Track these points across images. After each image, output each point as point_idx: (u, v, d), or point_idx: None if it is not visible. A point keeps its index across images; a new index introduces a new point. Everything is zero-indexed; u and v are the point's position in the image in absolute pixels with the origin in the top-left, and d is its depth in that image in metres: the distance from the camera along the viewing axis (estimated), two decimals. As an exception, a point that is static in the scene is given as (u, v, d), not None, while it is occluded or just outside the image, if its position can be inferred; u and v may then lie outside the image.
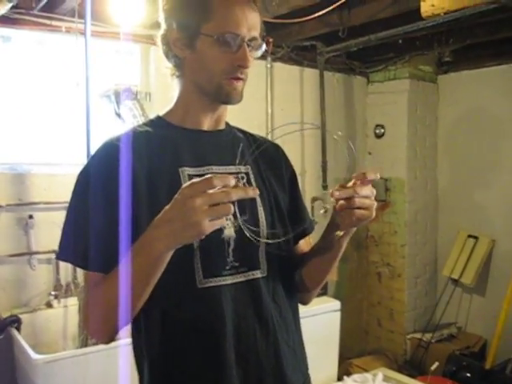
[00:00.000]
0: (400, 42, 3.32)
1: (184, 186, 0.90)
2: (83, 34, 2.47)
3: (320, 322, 2.78)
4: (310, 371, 1.31)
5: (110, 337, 1.10)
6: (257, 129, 1.42)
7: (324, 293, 3.36)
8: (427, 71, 3.98)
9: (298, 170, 1.41)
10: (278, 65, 3.58)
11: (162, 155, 1.16)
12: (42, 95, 2.81)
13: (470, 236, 3.81)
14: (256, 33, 1.14)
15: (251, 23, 1.12)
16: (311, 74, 3.76)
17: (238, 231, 1.14)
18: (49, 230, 2.65)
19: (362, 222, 1.07)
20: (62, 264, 2.67)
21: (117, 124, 2.93)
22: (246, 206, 1.17)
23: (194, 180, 0.90)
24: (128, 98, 2.94)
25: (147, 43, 2.98)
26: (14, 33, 2.72)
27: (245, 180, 1.22)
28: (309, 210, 2.60)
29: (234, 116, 1.31)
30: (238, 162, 1.20)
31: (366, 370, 3.16)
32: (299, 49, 3.62)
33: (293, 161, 1.39)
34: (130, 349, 1.20)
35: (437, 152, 4.11)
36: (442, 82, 4.05)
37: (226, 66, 1.12)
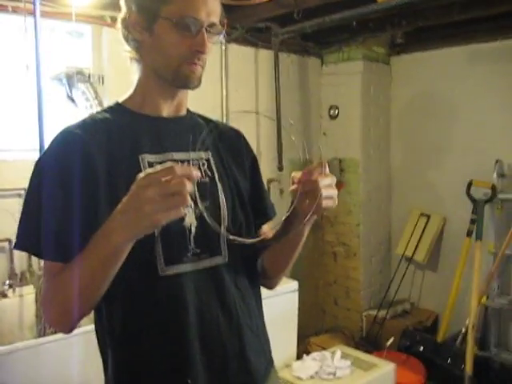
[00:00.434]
0: (354, 24, 3.34)
1: (140, 175, 0.90)
2: (32, 13, 2.38)
3: (278, 303, 2.81)
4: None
5: (71, 327, 1.10)
6: (212, 111, 1.43)
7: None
8: (380, 53, 4.03)
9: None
10: (233, 46, 3.54)
11: (121, 142, 1.15)
12: (-11, 78, 2.70)
13: (422, 214, 3.91)
14: (215, 19, 1.14)
15: (211, 8, 1.12)
16: (266, 55, 3.74)
17: (199, 218, 1.15)
18: (1, 218, 2.57)
19: (324, 211, 1.08)
20: (16, 252, 2.60)
21: (69, 108, 2.85)
22: (207, 192, 1.18)
23: (150, 170, 0.90)
24: (80, 80, 2.87)
25: (99, 24, 2.90)
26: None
27: (205, 166, 1.23)
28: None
29: (189, 99, 1.29)
30: (198, 147, 1.19)
31: (324, 348, 3.22)
32: (254, 30, 3.59)
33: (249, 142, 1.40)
34: (93, 337, 1.20)
35: (390, 132, 4.18)
36: (395, 63, 4.11)
37: (184, 50, 1.11)
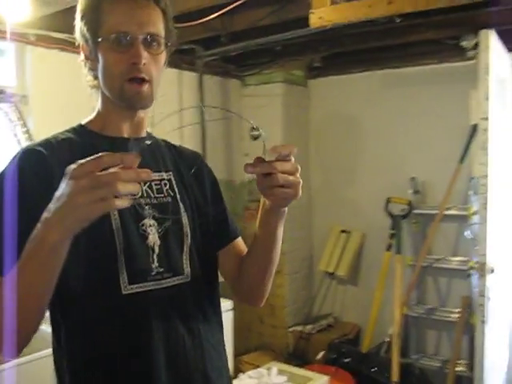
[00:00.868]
0: (279, 48, 3.46)
1: (71, 166, 0.84)
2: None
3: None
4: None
5: (19, 348, 1.00)
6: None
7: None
8: (299, 76, 4.18)
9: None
10: (158, 67, 3.53)
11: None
12: None
13: (342, 231, 4.08)
14: (152, 28, 1.14)
15: (142, 20, 1.13)
16: (189, 76, 3.78)
17: (162, 237, 1.16)
18: None
19: (287, 201, 1.05)
20: None
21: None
22: (168, 212, 1.19)
23: (82, 160, 0.84)
24: (2, 100, 2.75)
25: (23, 42, 2.80)
26: None
27: (167, 186, 1.24)
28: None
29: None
30: (161, 168, 1.23)
31: (257, 366, 3.26)
32: (178, 52, 3.61)
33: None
34: (45, 362, 1.16)
35: (309, 153, 4.34)
36: (312, 86, 4.28)
37: (123, 66, 1.12)
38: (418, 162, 3.65)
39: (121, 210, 1.13)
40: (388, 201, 3.70)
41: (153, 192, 1.21)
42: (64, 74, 2.73)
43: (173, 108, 3.71)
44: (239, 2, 2.76)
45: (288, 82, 4.08)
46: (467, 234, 3.29)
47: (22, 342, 0.99)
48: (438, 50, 3.57)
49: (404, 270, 3.59)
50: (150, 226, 1.16)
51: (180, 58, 3.67)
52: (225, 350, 1.33)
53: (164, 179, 1.24)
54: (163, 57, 1.20)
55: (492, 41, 2.71)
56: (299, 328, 3.99)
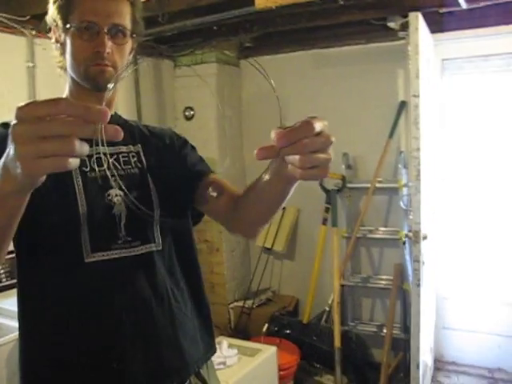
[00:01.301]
0: (215, 28, 3.47)
1: (20, 104, 0.66)
2: None
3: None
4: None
5: None
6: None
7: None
8: (231, 56, 4.22)
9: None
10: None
11: None
12: None
13: (278, 207, 4.18)
14: (119, 19, 1.19)
15: (110, 10, 1.18)
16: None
17: (130, 206, 1.19)
18: None
19: (311, 179, 0.84)
20: None
21: None
22: (135, 184, 1.23)
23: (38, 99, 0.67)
24: None
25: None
26: None
27: (136, 158, 1.28)
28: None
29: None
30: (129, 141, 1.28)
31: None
32: (110, 32, 3.54)
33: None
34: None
35: (242, 132, 4.40)
36: (244, 65, 4.33)
37: (88, 53, 1.17)
38: (350, 139, 3.80)
39: (86, 179, 1.16)
40: (322, 176, 3.84)
41: (120, 164, 1.24)
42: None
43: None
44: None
45: (221, 62, 4.11)
46: (402, 204, 3.49)
47: None
48: (366, 30, 3.72)
49: (339, 242, 3.76)
50: (117, 195, 1.19)
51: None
52: (206, 321, 1.36)
53: (132, 151, 1.28)
54: (128, 47, 1.24)
55: (420, 22, 2.88)
56: (240, 304, 4.08)
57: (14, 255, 1.14)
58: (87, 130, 0.65)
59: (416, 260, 2.91)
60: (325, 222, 3.82)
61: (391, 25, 3.44)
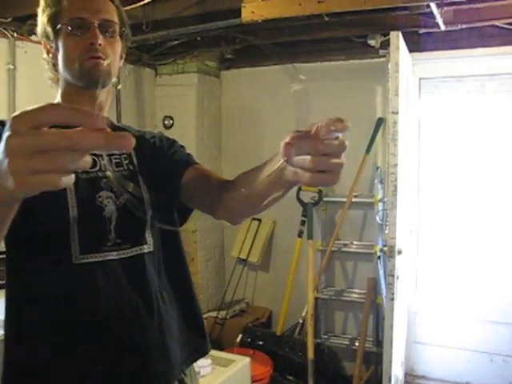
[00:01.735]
0: (198, 38, 3.50)
1: (15, 114, 0.59)
2: None
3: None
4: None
5: None
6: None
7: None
8: (212, 66, 4.24)
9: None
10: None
11: None
12: None
13: (253, 219, 4.20)
14: (107, 15, 1.22)
15: (98, 7, 1.21)
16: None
17: (121, 208, 1.20)
18: None
19: (321, 185, 0.86)
20: None
21: None
22: (127, 185, 1.22)
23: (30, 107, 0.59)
24: None
25: None
26: None
27: (127, 160, 1.28)
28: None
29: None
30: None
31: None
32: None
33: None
34: None
35: (220, 142, 4.42)
36: (225, 77, 4.36)
37: (81, 49, 1.19)
38: (328, 153, 3.85)
39: (77, 181, 1.13)
40: (299, 189, 3.87)
41: (112, 166, 1.24)
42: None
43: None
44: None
45: (202, 73, 4.12)
46: (378, 219, 3.54)
47: None
48: (346, 47, 3.78)
49: (314, 255, 3.79)
50: (108, 197, 1.19)
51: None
52: (196, 322, 1.35)
53: (124, 153, 1.28)
54: (119, 45, 1.26)
55: (401, 41, 2.95)
56: (213, 314, 4.07)
57: (3, 256, 1.13)
58: (88, 143, 0.57)
59: (390, 274, 2.95)
60: (300, 234, 3.85)
61: (372, 42, 3.52)
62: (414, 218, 3.73)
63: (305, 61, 3.99)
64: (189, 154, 1.38)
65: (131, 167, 1.27)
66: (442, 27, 3.10)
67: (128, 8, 2.87)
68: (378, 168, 3.67)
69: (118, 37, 1.24)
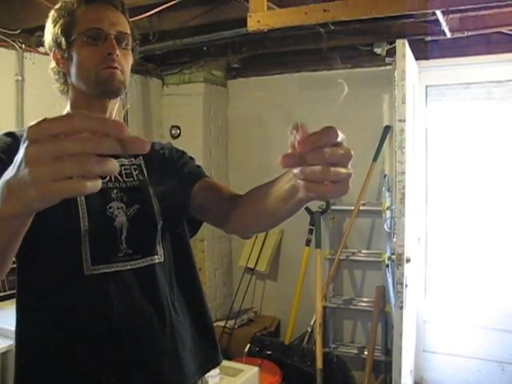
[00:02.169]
0: (204, 48, 3.51)
1: (31, 123, 0.60)
2: None
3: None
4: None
5: None
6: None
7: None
8: (219, 76, 4.26)
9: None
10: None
11: None
12: None
13: (261, 228, 4.19)
14: (122, 28, 1.24)
15: (113, 20, 1.23)
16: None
17: (132, 219, 1.20)
18: None
19: (331, 198, 0.76)
20: None
21: None
22: (137, 197, 1.23)
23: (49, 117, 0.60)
24: None
25: None
26: None
27: (137, 171, 1.29)
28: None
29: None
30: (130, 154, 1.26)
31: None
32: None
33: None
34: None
35: (227, 152, 4.43)
36: (231, 86, 4.37)
37: (98, 58, 1.20)
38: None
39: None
40: (307, 198, 3.87)
41: (122, 176, 1.25)
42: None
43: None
44: (169, 4, 2.79)
45: (208, 82, 4.14)
46: (385, 227, 3.53)
47: None
48: (353, 55, 3.79)
49: (322, 264, 3.78)
50: (118, 208, 1.20)
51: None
52: (207, 333, 1.35)
53: (134, 164, 1.29)
54: (131, 57, 1.28)
55: (407, 49, 2.96)
56: (221, 323, 4.06)
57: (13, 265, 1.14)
58: (106, 145, 0.58)
59: (399, 283, 2.94)
60: (308, 243, 3.84)
61: (378, 50, 3.53)
62: (422, 226, 3.71)
63: (311, 69, 3.99)
64: (199, 167, 1.38)
65: (141, 178, 1.28)
66: (448, 35, 3.10)
67: (135, 19, 2.89)
68: (385, 176, 3.66)
69: (131, 48, 1.26)
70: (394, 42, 3.02)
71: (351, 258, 3.82)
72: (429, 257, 3.81)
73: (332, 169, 0.69)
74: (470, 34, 3.15)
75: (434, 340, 3.81)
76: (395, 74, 2.96)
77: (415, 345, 3.70)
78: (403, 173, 2.90)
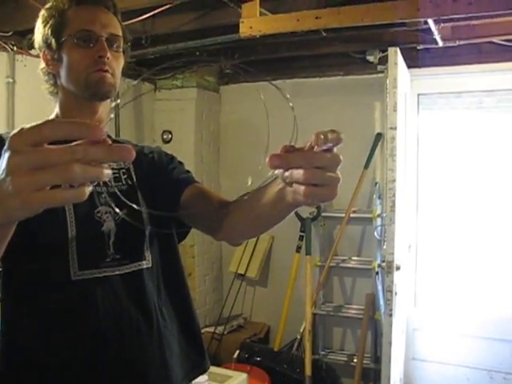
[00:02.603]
0: (197, 53, 3.51)
1: (13, 132, 0.59)
2: None
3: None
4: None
5: None
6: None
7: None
8: (211, 81, 4.26)
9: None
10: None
11: None
12: None
13: (252, 233, 4.19)
14: (114, 30, 1.23)
15: (105, 22, 1.22)
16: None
17: (120, 224, 1.19)
18: None
19: (318, 202, 0.80)
20: None
21: None
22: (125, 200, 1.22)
23: (28, 125, 0.59)
24: None
25: None
26: None
27: (126, 175, 1.28)
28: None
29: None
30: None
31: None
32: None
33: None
34: None
35: (219, 157, 4.42)
36: (224, 91, 4.37)
37: (89, 61, 1.19)
38: (326, 168, 3.86)
39: None
40: (298, 204, 3.87)
41: (110, 181, 1.23)
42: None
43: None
44: (163, 9, 2.79)
45: (201, 87, 4.14)
46: (376, 234, 3.53)
47: None
48: (345, 62, 3.80)
49: (312, 271, 3.77)
50: (106, 213, 1.19)
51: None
52: (195, 339, 1.34)
53: (122, 168, 1.28)
54: (122, 59, 1.27)
55: (399, 57, 2.97)
56: (211, 329, 4.04)
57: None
58: (91, 153, 0.57)
59: (389, 290, 2.94)
60: (298, 249, 3.83)
61: (370, 58, 3.53)
62: (413, 234, 3.72)
63: (303, 76, 4.00)
64: (188, 172, 1.37)
65: (130, 182, 1.27)
66: (440, 43, 3.12)
67: (128, 22, 2.89)
68: (376, 183, 3.66)
69: (122, 50, 1.25)
70: (387, 49, 3.03)
71: (341, 265, 3.82)
72: (419, 265, 3.81)
73: (319, 171, 0.70)
74: (461, 43, 3.16)
75: (423, 348, 3.81)
76: (387, 82, 2.97)
77: (404, 353, 3.69)
78: (394, 180, 2.90)
